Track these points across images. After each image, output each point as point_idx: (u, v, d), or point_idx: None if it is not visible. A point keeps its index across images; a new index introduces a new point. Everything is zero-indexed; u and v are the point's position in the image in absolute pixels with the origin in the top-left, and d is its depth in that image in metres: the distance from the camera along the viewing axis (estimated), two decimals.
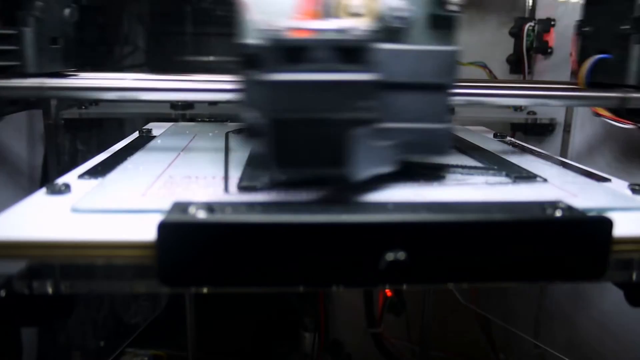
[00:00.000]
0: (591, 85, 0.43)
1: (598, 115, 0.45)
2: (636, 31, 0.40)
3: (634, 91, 0.40)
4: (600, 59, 0.43)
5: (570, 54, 0.48)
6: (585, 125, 0.61)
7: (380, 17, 0.28)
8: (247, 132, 0.27)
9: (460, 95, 0.39)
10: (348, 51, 0.23)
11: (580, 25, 0.48)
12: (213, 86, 0.38)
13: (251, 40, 0.27)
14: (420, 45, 0.28)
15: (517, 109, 0.71)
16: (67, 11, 0.42)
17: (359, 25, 0.24)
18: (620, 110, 0.43)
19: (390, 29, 0.28)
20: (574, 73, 0.46)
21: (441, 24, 0.29)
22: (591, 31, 0.47)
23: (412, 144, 0.28)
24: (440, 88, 0.28)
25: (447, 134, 0.29)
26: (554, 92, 0.41)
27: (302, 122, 0.23)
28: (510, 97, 0.41)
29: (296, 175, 0.26)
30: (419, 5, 0.29)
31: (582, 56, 0.46)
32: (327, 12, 0.27)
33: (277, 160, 0.23)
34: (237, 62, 0.26)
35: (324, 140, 0.23)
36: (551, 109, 0.68)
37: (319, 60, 0.23)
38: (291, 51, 0.23)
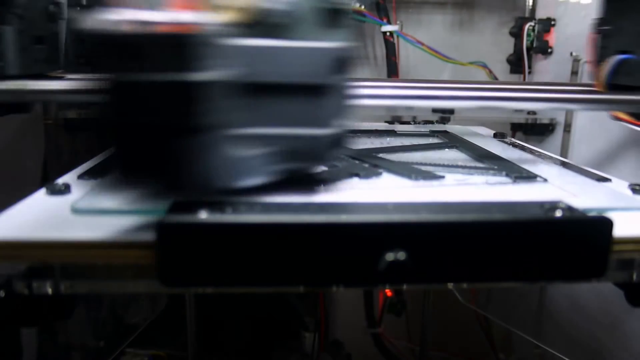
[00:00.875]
0: (612, 87, 0.39)
1: (618, 119, 0.42)
2: None
3: None
4: (622, 60, 0.39)
5: (570, 54, 0.47)
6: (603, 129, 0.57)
7: (257, 11, 0.23)
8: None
9: (476, 100, 0.37)
10: (181, 47, 0.20)
11: (599, 23, 0.43)
12: None
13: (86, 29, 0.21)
14: (298, 42, 0.24)
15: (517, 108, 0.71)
16: (52, 7, 0.39)
17: (229, 19, 0.22)
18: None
19: (269, 24, 0.24)
20: (592, 75, 0.42)
21: (329, 18, 0.25)
22: (611, 29, 0.42)
23: (288, 152, 0.25)
24: (320, 89, 0.24)
25: (329, 141, 0.25)
26: (573, 95, 0.39)
27: (145, 127, 0.20)
28: (527, 101, 0.39)
29: (139, 186, 0.22)
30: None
31: (601, 57, 0.42)
32: (205, 5, 0.23)
33: (120, 169, 0.21)
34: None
35: (169, 149, 0.20)
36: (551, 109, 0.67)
37: (154, 59, 0.20)
38: (127, 47, 0.20)
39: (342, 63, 0.25)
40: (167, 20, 0.20)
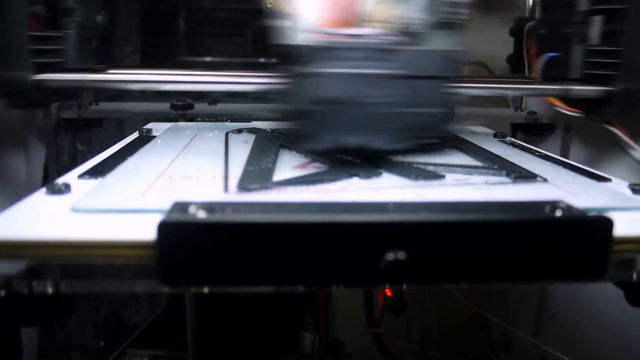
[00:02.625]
0: (545, 79, 0.53)
1: (553, 105, 0.52)
2: (577, 33, 0.49)
3: (576, 84, 0.48)
4: (550, 57, 0.52)
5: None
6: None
7: (400, 24, 0.34)
8: (292, 117, 0.34)
9: None
10: (377, 51, 0.31)
11: (537, 28, 0.59)
12: (220, 79, 0.46)
13: (292, 41, 0.33)
14: (430, 46, 0.35)
15: (517, 108, 0.71)
16: (99, 17, 0.51)
17: (382, 31, 0.32)
18: (571, 101, 0.50)
19: (408, 33, 0.34)
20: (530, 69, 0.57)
21: (448, 27, 0.36)
22: (545, 33, 0.57)
23: (424, 125, 0.34)
24: (443, 80, 0.34)
25: (447, 118, 0.35)
26: (511, 84, 0.51)
27: (344, 103, 0.30)
28: (470, 89, 0.48)
29: (339, 143, 0.31)
30: (430, 13, 0.35)
31: (539, 54, 0.55)
32: (357, 21, 0.34)
33: (320, 134, 0.30)
34: (276, 59, 0.32)
35: (358, 117, 0.31)
36: (552, 109, 0.67)
37: (354, 59, 0.30)
38: (333, 50, 0.30)
39: (454, 61, 0.35)
40: (353, 33, 0.31)
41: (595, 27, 0.47)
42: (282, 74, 0.32)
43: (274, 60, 0.33)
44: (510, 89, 0.52)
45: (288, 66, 0.33)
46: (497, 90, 0.50)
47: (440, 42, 0.35)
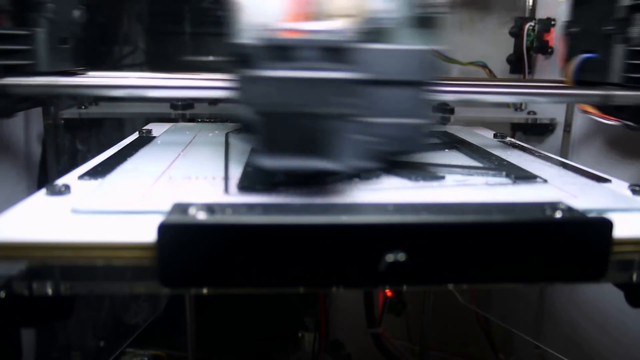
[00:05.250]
0: (578, 83, 0.45)
1: (585, 112, 0.47)
2: (619, 32, 0.42)
3: (617, 89, 0.41)
4: (586, 58, 0.45)
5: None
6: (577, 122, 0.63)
7: (367, 19, 0.29)
8: (243, 127, 0.28)
9: (452, 93, 0.42)
10: (333, 50, 0.25)
11: (568, 25, 0.50)
12: (214, 84, 0.39)
13: (244, 40, 0.27)
14: (402, 45, 0.30)
15: (517, 108, 0.71)
16: (76, 13, 0.45)
17: (345, 26, 0.27)
18: (606, 108, 0.45)
19: (376, 30, 0.30)
20: (562, 72, 0.48)
21: (424, 24, 0.31)
22: (578, 31, 0.49)
23: (392, 138, 0.30)
24: (419, 85, 0.30)
25: (423, 130, 0.31)
26: (541, 89, 0.44)
27: (289, 115, 0.25)
28: (499, 95, 0.44)
29: (284, 166, 0.26)
30: (404, 7, 0.31)
31: (570, 55, 0.48)
32: (318, 14, 0.29)
33: (266, 151, 0.25)
34: (230, 61, 0.27)
35: (308, 133, 0.25)
36: (552, 109, 0.68)
37: (307, 59, 0.25)
38: (281, 50, 0.24)
39: (432, 62, 0.30)
40: (317, 28, 0.26)
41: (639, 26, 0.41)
42: (233, 77, 0.26)
43: (228, 61, 0.28)
44: (540, 94, 0.44)
45: (238, 68, 0.27)
46: (525, 96, 0.46)
47: (416, 40, 0.31)
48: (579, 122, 0.63)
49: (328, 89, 0.25)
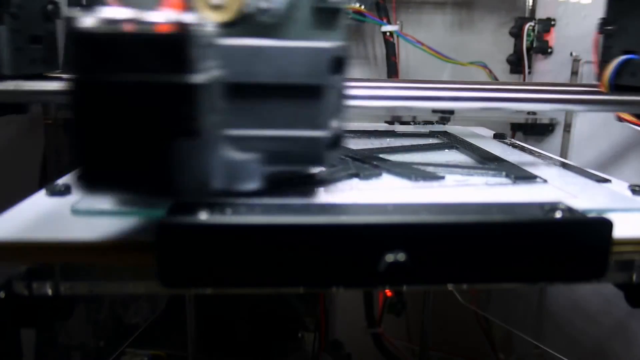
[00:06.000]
0: (616, 88, 0.38)
1: (623, 120, 0.41)
2: None
3: None
4: (626, 60, 0.39)
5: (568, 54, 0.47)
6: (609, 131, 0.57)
7: (249, 10, 0.24)
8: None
9: (477, 100, 0.36)
10: (164, 48, 0.18)
11: (603, 23, 0.43)
12: None
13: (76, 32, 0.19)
14: (291, 41, 0.24)
15: None
16: (49, 7, 0.38)
17: (211, 17, 0.22)
18: None
19: (262, 23, 0.24)
20: (597, 75, 0.42)
21: (325, 17, 0.25)
22: (615, 29, 0.42)
23: (284, 154, 0.24)
24: (316, 90, 0.24)
25: (325, 142, 0.24)
26: (576, 95, 0.38)
27: (112, 128, 0.19)
28: (529, 102, 0.37)
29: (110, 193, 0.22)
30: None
31: (605, 57, 0.42)
32: (192, 5, 0.23)
33: (84, 179, 0.19)
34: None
35: (142, 155, 0.19)
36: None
37: (138, 59, 0.18)
38: (100, 46, 0.18)
39: (337, 63, 0.24)
40: (156, 20, 0.19)
41: None
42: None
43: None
44: (576, 101, 0.38)
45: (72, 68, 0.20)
46: (559, 103, 0.38)
47: (311, 37, 0.25)
48: (579, 122, 0.63)
49: (160, 98, 0.19)
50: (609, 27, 0.43)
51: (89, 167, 0.19)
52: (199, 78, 0.19)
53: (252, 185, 0.22)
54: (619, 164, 0.54)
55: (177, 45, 0.18)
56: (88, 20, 0.18)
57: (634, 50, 0.39)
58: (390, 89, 0.36)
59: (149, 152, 0.19)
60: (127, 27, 0.18)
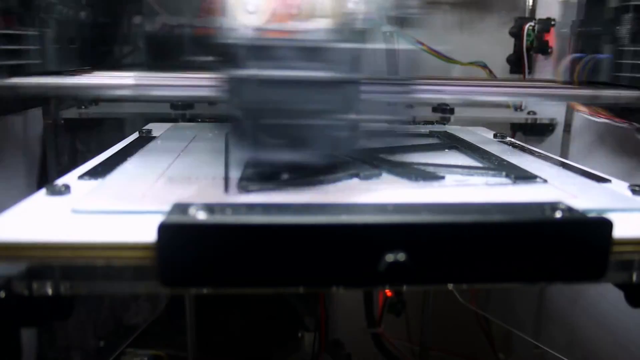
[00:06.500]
0: (586, 84, 0.45)
1: (577, 111, 0.48)
2: (607, 32, 0.43)
3: (607, 88, 0.42)
4: (594, 59, 0.46)
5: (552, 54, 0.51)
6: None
7: (345, 19, 0.30)
8: (230, 124, 0.29)
9: (435, 93, 0.43)
10: (311, 50, 0.26)
11: (576, 25, 0.51)
12: (208, 83, 0.38)
13: (230, 40, 0.28)
14: (380, 45, 0.31)
15: (517, 108, 0.71)
16: (82, 14, 0.47)
17: (325, 26, 0.28)
18: (615, 109, 0.44)
19: (355, 30, 0.30)
20: (570, 72, 0.48)
21: (402, 24, 0.33)
22: (586, 32, 0.49)
23: (373, 133, 0.31)
24: (399, 84, 0.31)
25: (396, 125, 0.32)
26: (533, 89, 0.45)
27: (272, 112, 0.27)
28: (491, 95, 0.44)
29: (269, 159, 0.28)
30: (380, 8, 0.31)
31: (576, 55, 0.48)
32: (300, 15, 0.29)
33: (251, 145, 0.27)
34: (218, 61, 0.28)
35: (288, 128, 0.27)
36: (552, 109, 0.68)
37: (287, 59, 0.26)
38: (263, 50, 0.26)
39: (412, 62, 0.32)
40: (293, 29, 0.27)
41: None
42: (219, 76, 0.27)
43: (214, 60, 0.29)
44: (533, 94, 0.45)
45: (223, 67, 0.28)
46: (519, 96, 0.47)
47: (394, 41, 0.33)
48: (579, 122, 0.63)
49: (306, 87, 0.26)
50: (580, 29, 0.50)
51: (254, 141, 0.27)
52: (330, 75, 0.27)
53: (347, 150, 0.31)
54: (618, 163, 0.54)
55: (321, 47, 0.27)
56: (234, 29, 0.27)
57: (600, 50, 0.46)
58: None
59: (282, 126, 0.27)
60: (277, 35, 0.27)
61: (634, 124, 0.43)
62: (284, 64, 0.26)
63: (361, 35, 0.30)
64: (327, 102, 0.27)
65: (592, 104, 0.45)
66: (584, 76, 0.46)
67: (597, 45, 0.46)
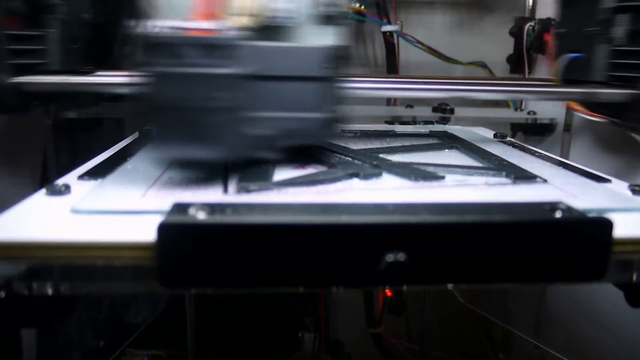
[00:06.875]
0: (566, 82, 0.47)
1: (573, 109, 0.50)
2: (602, 32, 0.44)
3: (600, 87, 0.44)
4: (572, 58, 0.48)
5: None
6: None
7: (269, 17, 0.31)
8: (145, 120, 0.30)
9: (431, 91, 0.45)
10: (214, 48, 0.27)
11: (556, 26, 0.53)
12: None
13: (141, 38, 0.28)
14: (298, 42, 0.33)
15: (517, 108, 0.71)
16: (86, 15, 0.47)
17: (240, 24, 0.30)
18: (592, 105, 0.47)
19: (275, 27, 0.32)
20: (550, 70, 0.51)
21: (324, 21, 0.33)
22: (565, 32, 0.52)
23: (292, 131, 0.31)
24: (317, 80, 0.31)
25: (324, 123, 0.31)
26: (529, 87, 0.47)
27: (176, 108, 0.27)
28: (485, 93, 0.45)
29: (171, 156, 0.29)
30: (304, 6, 0.33)
31: (558, 55, 0.50)
32: (223, 14, 0.31)
33: (157, 141, 0.27)
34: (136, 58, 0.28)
35: (192, 125, 0.27)
36: (551, 109, 0.68)
37: (190, 56, 0.26)
38: (166, 48, 0.26)
39: (334, 59, 0.30)
40: (200, 27, 0.27)
41: (621, 26, 0.43)
42: (136, 73, 0.27)
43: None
44: (528, 92, 0.48)
45: (139, 64, 0.28)
46: (515, 94, 0.50)
47: (314, 38, 0.33)
48: (579, 122, 0.63)
49: (207, 84, 0.27)
50: (561, 30, 0.52)
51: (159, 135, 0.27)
52: (224, 71, 0.26)
53: (266, 155, 0.30)
54: (618, 164, 0.54)
55: (211, 45, 0.26)
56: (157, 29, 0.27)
57: (580, 49, 0.47)
58: (384, 83, 0.43)
59: (189, 123, 0.27)
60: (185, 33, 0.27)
61: (628, 122, 0.45)
62: (188, 61, 0.26)
63: (281, 32, 0.32)
64: (233, 99, 0.27)
65: (586, 102, 0.47)
66: (563, 75, 0.48)
67: (573, 44, 0.49)
